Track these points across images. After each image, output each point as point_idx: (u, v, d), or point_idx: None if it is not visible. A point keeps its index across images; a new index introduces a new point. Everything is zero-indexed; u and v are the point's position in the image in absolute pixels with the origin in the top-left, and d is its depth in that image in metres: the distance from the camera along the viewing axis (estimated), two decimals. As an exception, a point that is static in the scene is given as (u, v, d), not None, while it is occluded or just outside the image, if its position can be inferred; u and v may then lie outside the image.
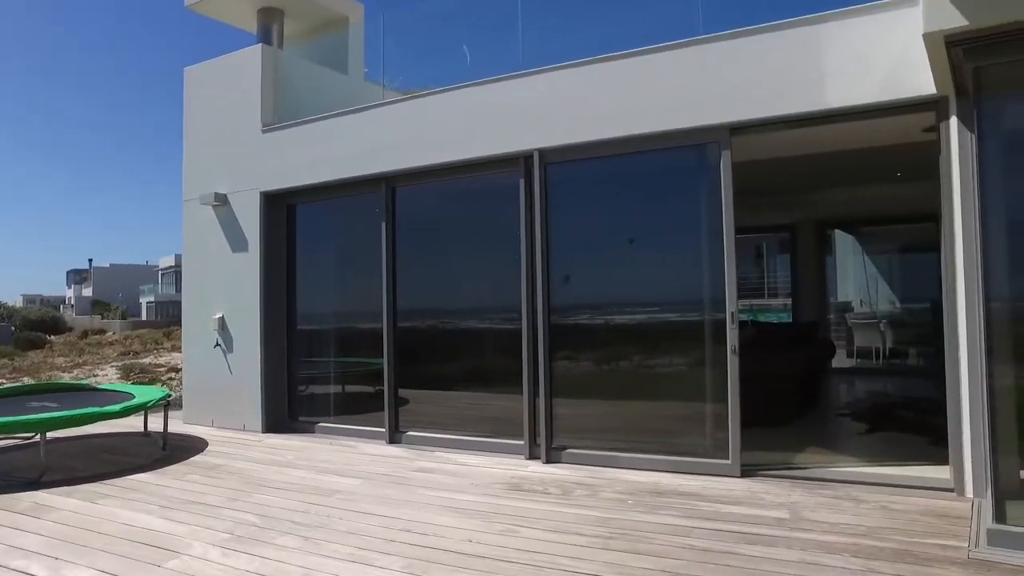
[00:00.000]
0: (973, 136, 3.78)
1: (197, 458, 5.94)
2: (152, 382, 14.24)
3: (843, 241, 12.52)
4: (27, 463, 5.63)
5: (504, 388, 5.88)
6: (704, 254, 5.22)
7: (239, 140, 7.38)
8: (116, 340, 27.81)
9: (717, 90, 4.96)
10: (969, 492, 4.18)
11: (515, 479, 5.01)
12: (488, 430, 6.00)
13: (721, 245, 4.91)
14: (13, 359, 20.23)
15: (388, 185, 6.50)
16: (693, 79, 5.07)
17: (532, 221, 5.65)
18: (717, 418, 4.95)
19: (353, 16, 8.61)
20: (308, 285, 7.34)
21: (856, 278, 12.67)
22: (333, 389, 7.38)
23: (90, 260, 76.71)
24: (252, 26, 8.32)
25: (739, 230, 5.01)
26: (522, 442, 5.64)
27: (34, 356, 21.88)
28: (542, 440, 5.53)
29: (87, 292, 71.73)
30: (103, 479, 5.18)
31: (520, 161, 5.70)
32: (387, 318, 6.47)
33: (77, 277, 77.07)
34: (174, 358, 17.14)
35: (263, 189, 7.17)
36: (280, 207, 7.28)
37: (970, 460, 4.17)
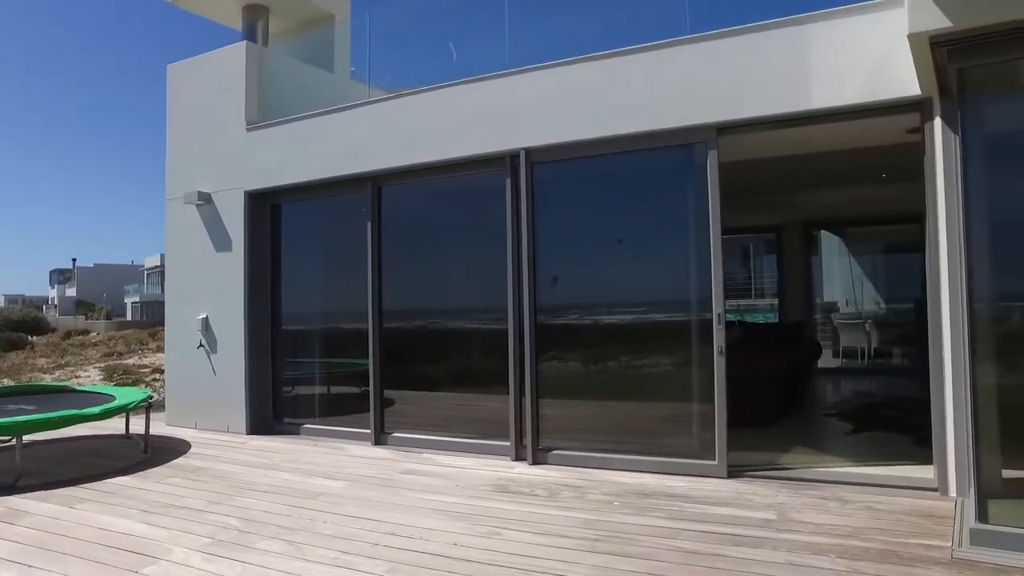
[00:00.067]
0: (957, 137, 3.80)
1: (179, 461, 5.86)
2: (136, 383, 14.07)
3: (829, 242, 12.60)
4: (2, 467, 5.52)
5: (491, 389, 5.85)
6: (691, 254, 5.21)
7: (223, 138, 7.30)
8: (100, 341, 27.49)
9: (704, 90, 4.96)
10: (953, 492, 4.20)
11: (501, 481, 4.98)
12: (474, 431, 5.96)
13: (708, 245, 4.91)
14: (-7, 360, 19.93)
15: (374, 185, 6.44)
16: (680, 79, 5.06)
17: (518, 221, 5.62)
18: (704, 419, 4.95)
19: (339, 14, 8.54)
20: (293, 285, 7.27)
21: (842, 278, 12.77)
22: (318, 390, 7.32)
23: (74, 260, 76.02)
24: (237, 23, 8.23)
25: (726, 231, 5.01)
26: (508, 443, 5.61)
27: (15, 357, 21.55)
28: (528, 441, 5.50)
29: (71, 292, 70.89)
30: (81, 483, 5.08)
31: (506, 161, 5.66)
32: (373, 318, 6.42)
33: (60, 277, 76.14)
34: (159, 359, 16.95)
35: (247, 188, 7.09)
36: (265, 206, 7.20)
37: (954, 460, 4.19)
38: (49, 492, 4.84)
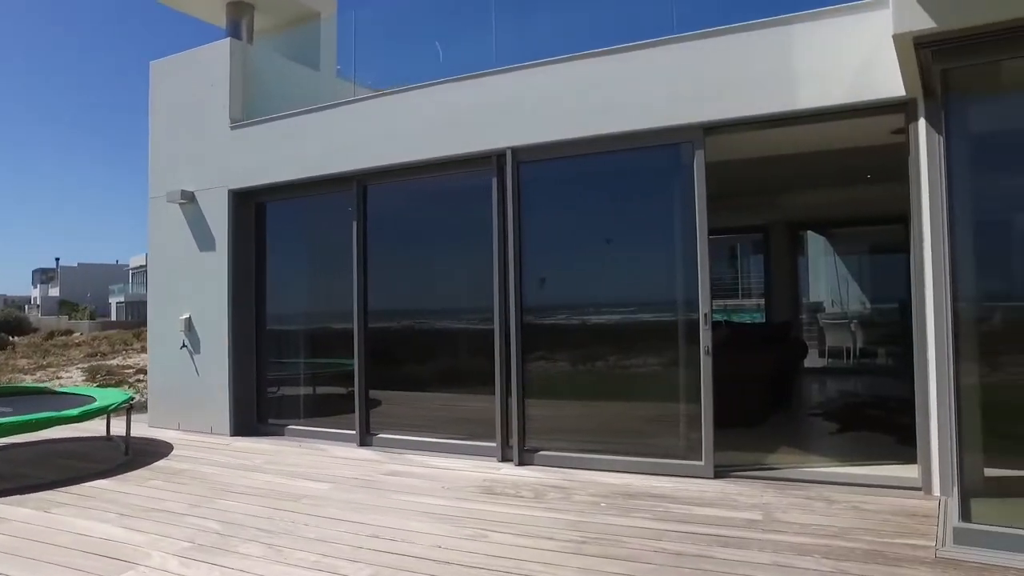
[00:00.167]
0: (941, 138, 3.80)
1: (161, 463, 5.77)
2: (119, 384, 13.90)
3: (815, 242, 12.67)
4: (-21, 470, 5.41)
5: (477, 389, 5.81)
6: (678, 254, 5.20)
7: (207, 136, 7.21)
8: (83, 341, 27.15)
9: (691, 89, 4.95)
10: (936, 491, 4.22)
11: (487, 482, 4.94)
12: (460, 432, 5.92)
13: (695, 245, 4.90)
14: (-27, 361, 19.62)
15: (359, 183, 6.39)
16: (667, 78, 5.04)
17: (505, 220, 5.59)
18: (690, 419, 4.94)
19: (325, 11, 8.47)
20: (278, 285, 7.19)
21: (828, 279, 12.84)
22: (303, 391, 7.25)
23: (57, 259, 75.02)
24: (221, 20, 8.13)
25: (713, 231, 5.01)
26: (494, 444, 5.57)
27: (-5, 358, 21.22)
28: (514, 442, 5.46)
29: (54, 292, 69.99)
30: (59, 486, 4.98)
31: (493, 160, 5.63)
32: (358, 318, 6.36)
33: (43, 276, 75.13)
34: (143, 359, 16.74)
35: (232, 187, 7.01)
36: (249, 205, 7.12)
37: (937, 459, 4.20)
38: (25, 496, 4.74)
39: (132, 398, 6.37)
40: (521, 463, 5.42)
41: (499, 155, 5.60)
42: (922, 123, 4.28)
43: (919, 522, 3.78)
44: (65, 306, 59.08)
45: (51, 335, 32.60)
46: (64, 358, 20.50)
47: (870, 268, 12.77)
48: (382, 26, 7.64)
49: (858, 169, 7.14)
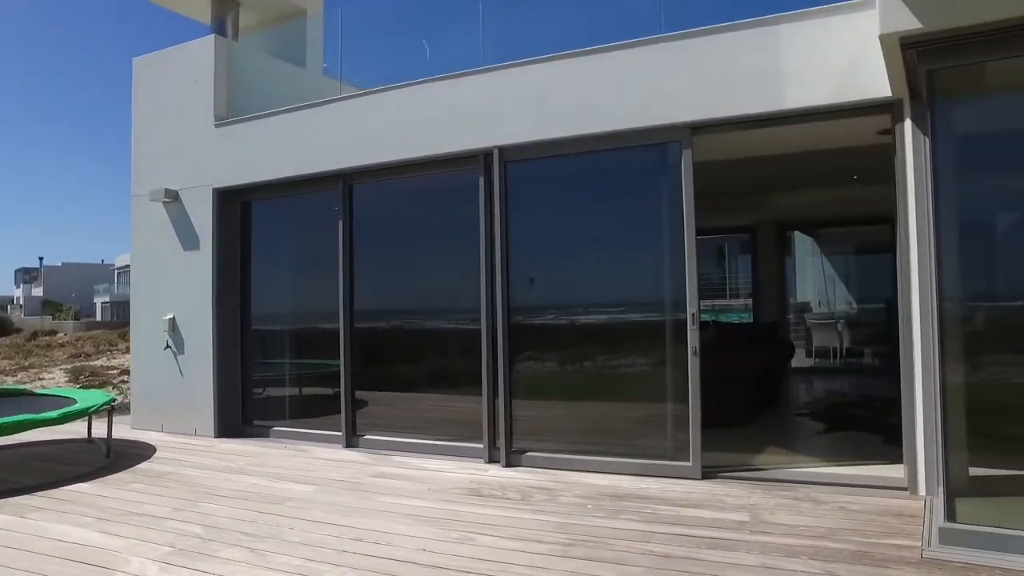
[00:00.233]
0: (927, 139, 3.81)
1: (143, 465, 5.68)
2: (103, 386, 13.74)
3: (802, 242, 12.73)
4: (-47, 475, 5.31)
5: (464, 390, 5.77)
6: (665, 254, 5.19)
7: (191, 134, 7.12)
8: (67, 342, 26.80)
9: (679, 89, 4.94)
10: (922, 490, 4.23)
11: (474, 484, 4.90)
12: (447, 433, 5.88)
13: (682, 245, 4.88)
14: (-47, 362, 19.33)
15: (345, 183, 6.33)
16: (655, 77, 5.03)
17: (492, 220, 5.55)
18: (678, 420, 4.92)
19: (311, 8, 8.40)
20: (264, 285, 7.12)
21: (814, 279, 12.91)
22: (289, 392, 7.17)
23: (40, 258, 73.99)
24: (206, 16, 8.03)
25: (702, 231, 5.00)
26: (481, 445, 5.54)
27: (-24, 359, 20.91)
28: (501, 443, 5.43)
29: (37, 292, 69.06)
30: (36, 491, 4.88)
31: (480, 159, 5.59)
32: (344, 318, 6.30)
33: (27, 276, 74.08)
34: (128, 360, 16.54)
35: (216, 185, 6.92)
36: (234, 204, 7.04)
37: (923, 458, 4.21)
38: (1, 501, 4.64)
39: (114, 400, 6.28)
40: (508, 464, 5.39)
41: (486, 154, 5.57)
42: (908, 124, 4.29)
43: (905, 522, 3.79)
44: (49, 306, 58.33)
45: (34, 335, 32.15)
46: (47, 359, 20.24)
47: (856, 268, 12.85)
48: (369, 24, 7.60)
49: (845, 170, 7.17)
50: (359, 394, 6.38)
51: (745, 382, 6.29)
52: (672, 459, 4.93)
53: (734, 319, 13.51)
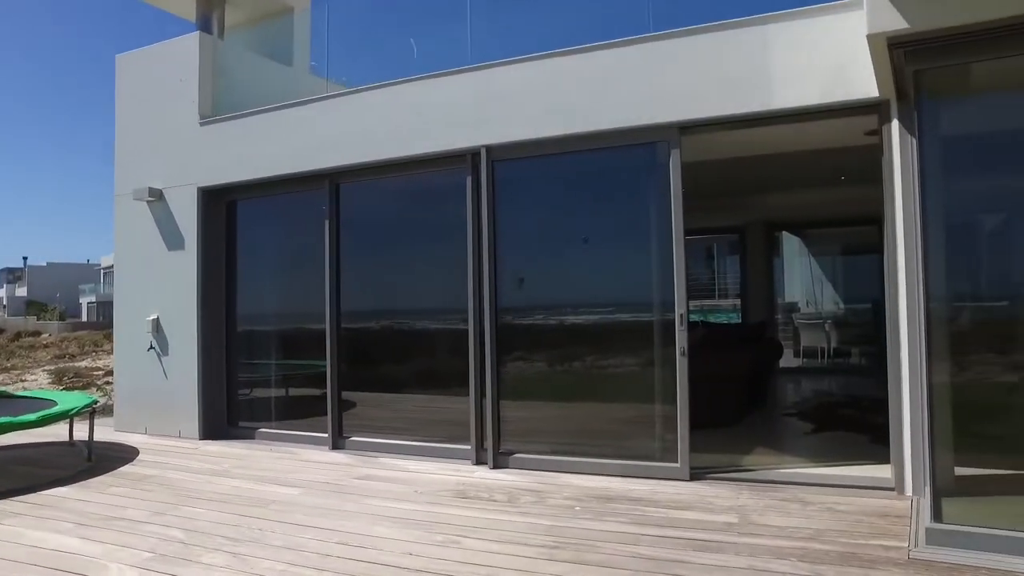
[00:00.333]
0: (914, 140, 3.81)
1: (125, 468, 5.59)
2: (87, 387, 13.58)
3: (790, 243, 12.79)
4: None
5: (452, 391, 5.73)
6: (654, 254, 5.16)
7: (175, 133, 7.02)
8: (52, 342, 26.50)
9: (667, 88, 4.92)
10: (909, 490, 4.23)
11: (460, 486, 4.86)
12: (435, 434, 5.83)
13: (670, 245, 4.86)
14: (-66, 363, 19.04)
15: (332, 182, 6.26)
16: (643, 77, 5.01)
17: (479, 220, 5.51)
18: (666, 420, 4.90)
19: (298, 6, 8.33)
20: (249, 285, 7.04)
21: (802, 279, 12.96)
22: (275, 393, 7.09)
23: (25, 258, 72.93)
24: (191, 13, 7.94)
25: (691, 231, 4.98)
26: (469, 447, 5.49)
27: (-43, 360, 20.60)
28: (489, 445, 5.39)
29: (21, 292, 68.21)
30: (14, 495, 4.78)
31: (467, 158, 5.55)
32: (330, 319, 6.24)
33: (10, 276, 73.13)
34: (113, 361, 16.38)
35: (201, 184, 6.84)
36: (219, 203, 6.96)
37: (910, 458, 4.22)
38: (-22, 506, 4.55)
39: (96, 401, 6.18)
40: (496, 466, 5.35)
41: (473, 153, 5.52)
42: (895, 124, 4.29)
43: (892, 523, 3.78)
44: (33, 306, 57.64)
45: (17, 336, 31.78)
46: (30, 360, 19.98)
47: (844, 269, 12.92)
48: (356, 22, 7.54)
49: (833, 170, 7.19)
50: (346, 395, 6.32)
51: (734, 382, 6.28)
52: (661, 460, 4.91)
53: (723, 319, 13.55)
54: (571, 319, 5.70)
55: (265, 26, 8.33)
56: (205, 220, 6.86)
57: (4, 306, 67.77)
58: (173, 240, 6.97)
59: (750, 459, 5.23)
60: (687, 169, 4.88)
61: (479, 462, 5.43)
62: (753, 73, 4.67)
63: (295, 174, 6.36)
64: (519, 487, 4.78)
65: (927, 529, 3.41)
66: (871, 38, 3.54)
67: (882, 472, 4.52)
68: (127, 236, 7.31)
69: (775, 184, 8.37)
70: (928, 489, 3.55)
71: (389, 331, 6.57)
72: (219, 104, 6.94)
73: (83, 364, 18.07)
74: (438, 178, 5.88)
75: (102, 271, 60.88)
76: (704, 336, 6.56)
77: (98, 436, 6.13)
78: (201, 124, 6.85)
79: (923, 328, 3.68)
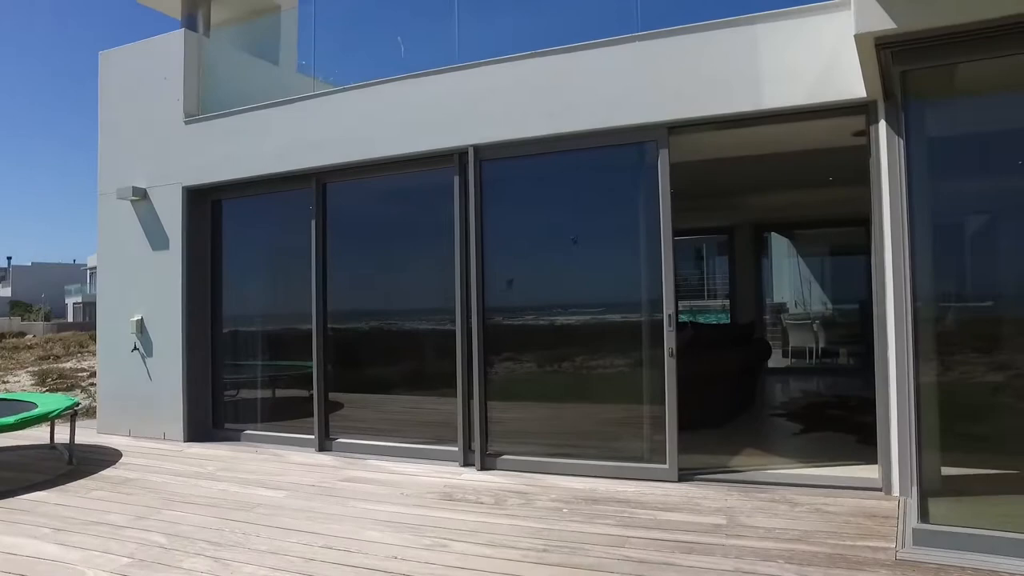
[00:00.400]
0: (901, 140, 3.81)
1: (107, 471, 5.51)
2: (71, 389, 13.37)
3: (779, 244, 12.83)
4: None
5: (439, 392, 5.68)
6: (642, 255, 5.14)
7: (160, 131, 6.93)
8: (36, 343, 26.12)
9: (655, 88, 4.90)
10: (896, 491, 4.23)
11: (448, 488, 4.81)
12: (422, 436, 5.79)
13: (659, 245, 4.85)
14: (-86, 365, 18.70)
15: (319, 181, 6.20)
16: (631, 76, 4.99)
17: (467, 219, 5.47)
18: (655, 421, 4.88)
19: (285, 3, 8.24)
20: (235, 285, 6.96)
21: (791, 280, 13.01)
22: (261, 394, 7.02)
23: (9, 258, 72.16)
24: (176, 11, 7.84)
25: (679, 232, 4.97)
26: (456, 448, 5.45)
27: (-62, 362, 20.26)
28: (477, 446, 5.35)
29: (5, 292, 67.35)
30: (-8, 499, 4.71)
31: (455, 158, 5.51)
32: (317, 319, 6.18)
33: (-6, 276, 72.24)
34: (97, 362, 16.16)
35: (186, 184, 6.75)
36: (204, 203, 6.87)
37: (897, 459, 4.22)
38: (-46, 511, 4.46)
39: (77, 403, 6.07)
40: (483, 468, 5.31)
41: (461, 153, 5.48)
42: (882, 125, 4.30)
43: (879, 523, 3.78)
44: (17, 307, 56.92)
45: (1, 337, 31.33)
46: (13, 361, 19.68)
47: (832, 269, 12.98)
48: (344, 20, 7.47)
49: (821, 171, 7.20)
50: (333, 396, 6.26)
51: (722, 383, 6.28)
52: (649, 461, 4.89)
53: (712, 320, 13.57)
54: (559, 319, 5.67)
55: (252, 24, 8.25)
56: (190, 219, 6.78)
57: (-13, 307, 66.85)
58: (158, 240, 6.88)
59: (738, 460, 5.23)
60: (675, 169, 4.87)
61: (466, 464, 5.39)
62: (741, 73, 4.66)
63: (281, 173, 6.30)
64: (507, 489, 4.74)
65: (914, 529, 3.41)
66: (859, 38, 3.54)
67: (869, 472, 4.52)
68: (111, 236, 7.21)
69: (763, 184, 8.38)
70: (915, 489, 3.55)
71: (376, 332, 6.51)
72: (205, 102, 6.86)
73: (68, 365, 17.82)
74: (426, 177, 5.83)
75: (88, 271, 60.20)
76: (693, 336, 6.55)
77: (80, 439, 6.04)
78: (186, 123, 6.77)
79: (910, 328, 3.68)
